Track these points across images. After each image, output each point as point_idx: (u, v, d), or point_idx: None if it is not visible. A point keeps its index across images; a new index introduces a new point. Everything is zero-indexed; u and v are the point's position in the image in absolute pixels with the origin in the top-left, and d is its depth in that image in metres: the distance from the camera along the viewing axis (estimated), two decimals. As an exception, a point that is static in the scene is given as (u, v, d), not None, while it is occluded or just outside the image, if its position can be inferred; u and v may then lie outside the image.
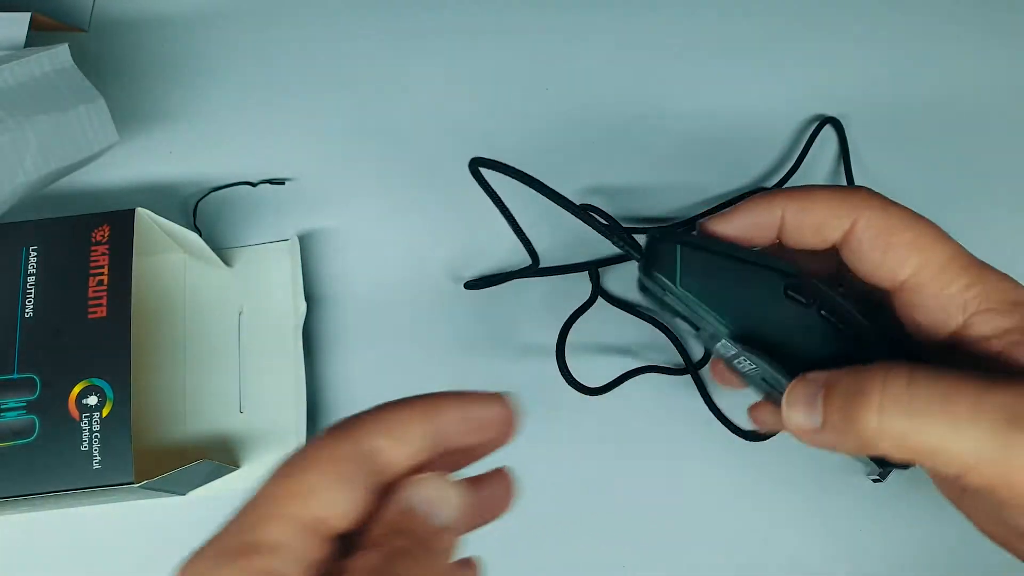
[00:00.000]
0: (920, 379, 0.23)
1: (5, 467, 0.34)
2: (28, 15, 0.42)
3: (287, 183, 0.45)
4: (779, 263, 0.30)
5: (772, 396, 0.31)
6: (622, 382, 0.39)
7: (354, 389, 0.40)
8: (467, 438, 0.23)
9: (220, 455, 0.39)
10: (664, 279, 0.30)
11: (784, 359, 0.29)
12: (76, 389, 0.35)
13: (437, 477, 0.22)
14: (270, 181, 0.45)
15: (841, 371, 0.25)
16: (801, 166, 0.45)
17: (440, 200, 0.44)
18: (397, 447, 0.21)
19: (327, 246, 0.43)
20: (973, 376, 0.23)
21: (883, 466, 0.30)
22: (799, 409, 0.26)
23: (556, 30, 0.48)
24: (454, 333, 0.41)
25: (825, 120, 0.46)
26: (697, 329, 0.32)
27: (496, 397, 0.23)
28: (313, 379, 0.40)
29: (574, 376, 0.38)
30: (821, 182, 0.45)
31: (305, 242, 0.43)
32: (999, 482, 0.22)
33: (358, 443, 0.21)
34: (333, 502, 0.20)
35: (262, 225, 0.44)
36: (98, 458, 0.34)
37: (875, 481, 0.38)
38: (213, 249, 0.40)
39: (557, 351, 0.39)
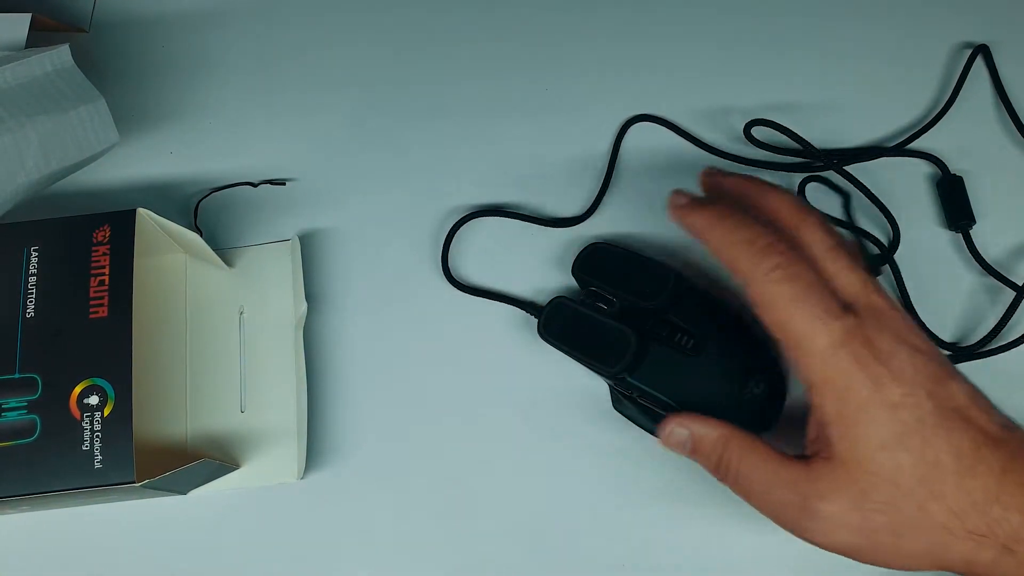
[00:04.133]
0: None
1: (6, 467, 0.34)
2: (29, 16, 0.42)
3: (288, 183, 0.45)
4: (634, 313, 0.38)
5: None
6: None
7: (354, 388, 0.40)
8: None
9: (221, 454, 0.39)
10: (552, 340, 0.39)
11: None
12: (77, 389, 0.35)
13: None
14: (271, 181, 0.45)
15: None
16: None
17: (441, 200, 0.44)
18: None
19: (328, 246, 0.43)
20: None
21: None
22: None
23: (559, 30, 0.48)
24: (455, 332, 0.41)
25: (978, 48, 0.46)
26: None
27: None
28: (314, 379, 0.40)
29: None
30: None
31: (306, 242, 0.43)
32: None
33: None
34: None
35: (263, 225, 0.44)
36: (99, 458, 0.34)
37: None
38: (214, 249, 0.40)
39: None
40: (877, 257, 0.41)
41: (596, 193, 0.44)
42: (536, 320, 0.39)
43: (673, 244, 0.43)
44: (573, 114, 0.46)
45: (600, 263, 0.40)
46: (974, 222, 0.42)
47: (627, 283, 0.38)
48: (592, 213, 0.43)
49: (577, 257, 0.40)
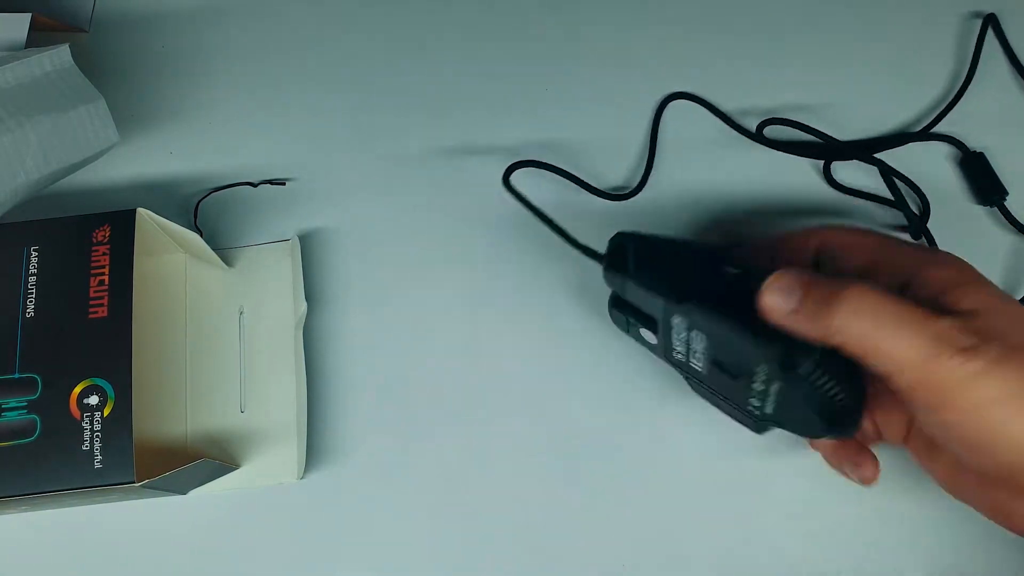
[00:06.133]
0: (886, 298, 0.29)
1: (6, 467, 0.34)
2: (29, 15, 0.42)
3: (288, 183, 0.45)
4: (714, 247, 0.35)
5: (723, 370, 0.33)
6: None
7: (354, 389, 0.40)
8: None
9: (221, 454, 0.39)
10: (619, 274, 0.35)
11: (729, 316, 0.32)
12: (77, 389, 0.35)
13: None
14: (271, 181, 0.45)
15: (821, 276, 0.31)
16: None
17: (441, 200, 0.44)
18: None
19: (328, 246, 0.43)
20: (922, 308, 0.29)
21: (761, 427, 0.35)
22: (779, 294, 0.31)
23: (558, 31, 0.48)
24: (453, 334, 0.41)
25: (987, 18, 0.46)
26: (656, 332, 0.35)
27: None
28: (313, 379, 0.40)
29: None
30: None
31: (306, 242, 0.43)
32: (917, 385, 0.29)
33: None
34: None
35: (263, 225, 0.44)
36: (99, 458, 0.34)
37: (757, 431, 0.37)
38: (214, 249, 0.40)
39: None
40: (912, 227, 0.41)
41: (642, 172, 0.44)
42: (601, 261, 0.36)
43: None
44: (575, 111, 0.46)
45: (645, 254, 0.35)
46: (1007, 194, 0.42)
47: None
48: (641, 189, 0.44)
49: (617, 249, 0.36)
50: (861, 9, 0.48)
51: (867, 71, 0.46)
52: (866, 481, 0.35)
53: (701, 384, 0.35)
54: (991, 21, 0.46)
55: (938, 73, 0.46)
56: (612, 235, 0.37)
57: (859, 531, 0.37)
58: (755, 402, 0.33)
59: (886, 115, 0.45)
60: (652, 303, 0.34)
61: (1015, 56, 0.46)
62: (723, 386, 0.34)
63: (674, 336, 0.34)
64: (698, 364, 0.34)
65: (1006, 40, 0.46)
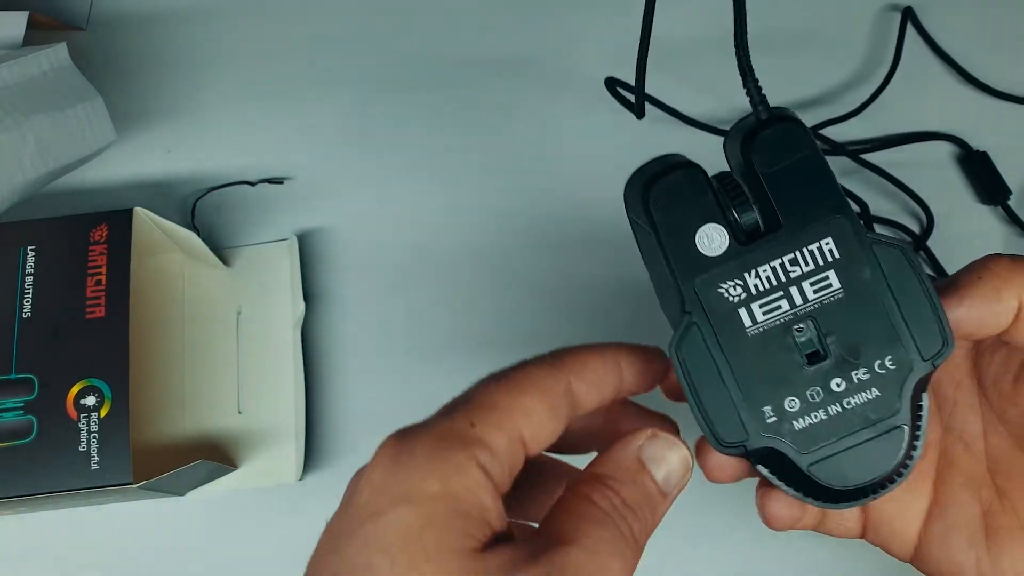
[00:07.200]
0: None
1: (4, 468, 0.34)
2: (26, 14, 0.42)
3: (286, 182, 0.45)
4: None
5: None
6: None
7: (353, 389, 0.40)
8: (632, 389, 0.25)
9: (218, 455, 0.39)
10: (781, 145, 0.24)
11: None
12: (74, 389, 0.35)
13: (672, 440, 0.23)
14: (269, 180, 0.44)
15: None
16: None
17: (440, 200, 0.44)
18: (591, 393, 0.24)
19: (326, 246, 0.43)
20: None
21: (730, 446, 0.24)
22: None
23: (555, 29, 0.48)
24: (452, 333, 0.41)
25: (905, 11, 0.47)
26: (743, 241, 0.24)
27: (660, 353, 0.25)
28: (312, 379, 0.40)
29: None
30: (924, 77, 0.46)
31: (304, 242, 0.43)
32: None
33: (563, 382, 0.23)
34: (542, 428, 0.23)
35: (261, 224, 0.44)
36: (96, 459, 0.34)
37: None
38: (212, 249, 0.40)
39: None
40: (911, 245, 0.41)
41: None
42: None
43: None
44: (573, 114, 0.46)
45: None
46: (1011, 193, 0.42)
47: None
48: None
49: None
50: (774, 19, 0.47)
51: (792, 76, 0.46)
52: (772, 521, 0.25)
53: (714, 342, 0.24)
54: (909, 14, 0.47)
55: (868, 66, 0.46)
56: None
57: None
58: (814, 397, 0.24)
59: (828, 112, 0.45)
60: (798, 208, 0.24)
61: (936, 44, 0.46)
62: (773, 361, 0.24)
63: (778, 263, 0.24)
64: (767, 313, 0.24)
65: (925, 31, 0.47)
